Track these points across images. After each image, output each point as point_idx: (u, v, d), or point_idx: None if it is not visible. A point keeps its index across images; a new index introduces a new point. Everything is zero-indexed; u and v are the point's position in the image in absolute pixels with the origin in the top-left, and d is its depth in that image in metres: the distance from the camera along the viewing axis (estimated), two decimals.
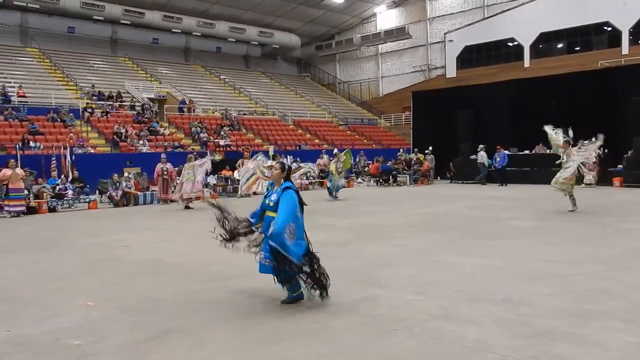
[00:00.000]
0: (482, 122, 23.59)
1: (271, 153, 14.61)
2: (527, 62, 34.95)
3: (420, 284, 6.15)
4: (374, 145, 34.50)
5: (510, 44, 36.36)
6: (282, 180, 5.43)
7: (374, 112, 42.56)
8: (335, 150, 18.83)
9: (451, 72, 38.26)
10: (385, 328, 4.66)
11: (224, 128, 29.35)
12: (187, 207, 15.51)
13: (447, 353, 4.08)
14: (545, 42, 34.96)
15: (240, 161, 19.37)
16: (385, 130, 39.36)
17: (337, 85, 47.29)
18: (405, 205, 14.93)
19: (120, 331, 4.72)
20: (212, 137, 27.54)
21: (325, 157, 25.00)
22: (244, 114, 33.70)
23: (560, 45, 34.88)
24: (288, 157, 16.45)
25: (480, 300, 5.39)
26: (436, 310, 5.08)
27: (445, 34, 39.21)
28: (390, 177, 23.20)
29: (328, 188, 17.87)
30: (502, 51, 36.75)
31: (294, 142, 31.25)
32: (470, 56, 38.08)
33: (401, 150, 27.89)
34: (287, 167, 5.58)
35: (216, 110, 32.67)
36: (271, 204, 5.39)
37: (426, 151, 24.72)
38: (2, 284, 6.70)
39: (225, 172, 21.21)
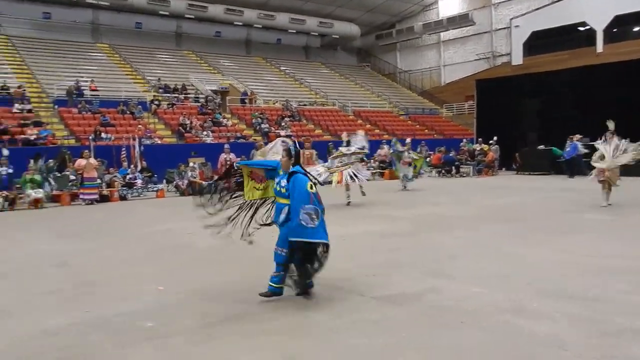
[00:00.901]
0: (550, 111, 22.68)
1: (345, 139, 14.58)
2: (599, 47, 33.20)
3: (487, 276, 5.98)
4: (435, 136, 33.86)
5: (582, 29, 34.63)
6: (291, 166, 5.25)
7: (435, 101, 41.75)
8: (395, 140, 18.28)
9: (517, 59, 36.90)
10: (450, 320, 4.57)
11: (285, 119, 29.62)
12: None
13: (517, 349, 3.95)
14: (621, 26, 33.07)
15: (301, 151, 19.44)
16: (447, 120, 38.54)
17: (397, 74, 46.66)
18: (469, 197, 14.59)
19: (190, 315, 4.86)
20: (273, 128, 27.86)
21: (386, 147, 24.77)
22: (304, 105, 33.86)
23: (637, 29, 32.94)
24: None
25: (552, 294, 5.19)
26: (505, 304, 4.93)
27: (511, 19, 37.82)
28: (453, 167, 22.74)
29: (404, 176, 17.14)
30: (572, 36, 35.04)
31: (354, 133, 31.09)
32: (538, 42, 36.54)
33: (464, 140, 27.23)
34: (293, 152, 5.33)
35: (277, 101, 32.98)
36: (283, 190, 5.25)
37: (490, 141, 24.03)
38: (78, 268, 7.04)
39: None
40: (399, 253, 7.39)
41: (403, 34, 44.04)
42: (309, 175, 5.27)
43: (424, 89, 44.34)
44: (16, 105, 23.07)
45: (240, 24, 39.32)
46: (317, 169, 13.43)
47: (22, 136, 20.45)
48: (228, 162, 17.64)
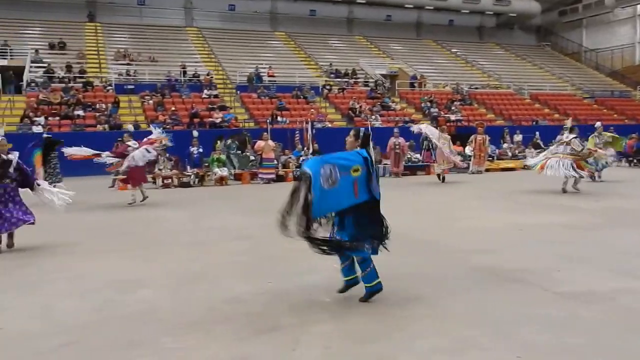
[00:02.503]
0: None
1: (568, 125, 13.83)
2: None
3: None
4: (626, 121, 30.36)
5: None
6: (357, 147, 4.82)
7: (627, 83, 37.38)
8: (598, 124, 16.50)
9: None
10: None
11: (455, 103, 28.76)
12: (442, 179, 15.65)
13: None
14: None
15: (473, 137, 18.80)
16: None
17: (582, 54, 42.62)
18: None
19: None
20: (442, 112, 27.22)
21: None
22: (476, 88, 32.52)
23: None
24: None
25: None
26: None
27: None
28: None
29: (601, 164, 15.69)
30: None
31: (530, 117, 29.20)
32: None
33: None
34: (362, 134, 4.89)
35: (447, 85, 32.12)
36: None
37: None
38: (260, 241, 7.51)
39: (456, 148, 20.79)
40: (583, 248, 6.77)
41: (591, 8, 40.01)
42: (371, 162, 4.67)
43: (613, 69, 39.99)
44: (205, 91, 25.46)
45: (411, 6, 38.87)
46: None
47: (210, 119, 22.51)
48: (397, 146, 17.68)
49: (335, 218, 4.72)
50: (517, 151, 22.09)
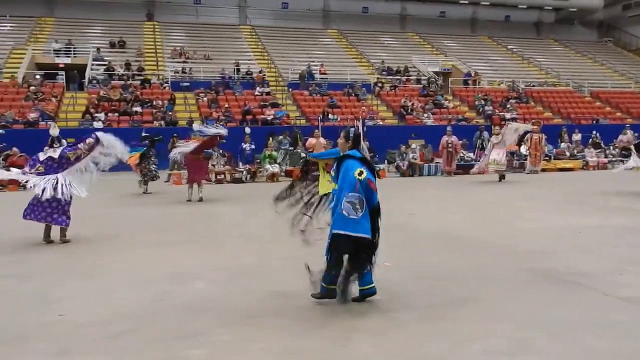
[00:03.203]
0: None
1: None
2: None
3: None
4: None
5: None
6: (347, 149, 4.68)
7: None
8: None
9: None
10: None
11: (510, 100, 28.04)
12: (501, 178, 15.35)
13: None
14: None
15: (528, 135, 18.30)
16: None
17: None
18: None
19: (415, 294, 4.90)
20: (497, 110, 26.59)
21: (629, 132, 21.91)
22: (533, 86, 31.61)
23: None
24: None
25: None
26: None
27: None
28: None
29: None
30: None
31: (590, 116, 28.15)
32: None
33: None
34: (351, 135, 4.74)
35: (502, 82, 31.36)
36: (332, 173, 4.76)
37: None
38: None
39: (512, 147, 20.26)
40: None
41: None
42: (367, 161, 4.62)
43: None
44: (257, 88, 25.81)
45: (466, 2, 38.23)
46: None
47: (262, 116, 22.79)
48: (450, 145, 17.42)
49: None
50: (575, 151, 21.35)
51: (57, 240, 7.57)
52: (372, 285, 4.62)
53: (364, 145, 5.00)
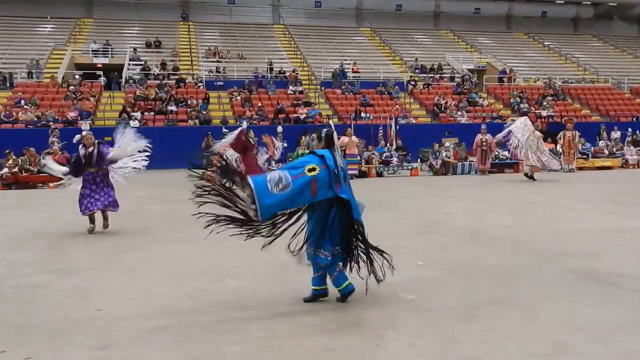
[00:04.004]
0: None
1: None
2: None
3: None
4: None
5: None
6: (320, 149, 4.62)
7: None
8: None
9: None
10: None
11: (547, 98, 27.48)
12: (530, 177, 14.98)
13: None
14: None
15: (561, 133, 17.93)
16: None
17: None
18: None
19: (450, 293, 4.84)
20: (532, 108, 26.09)
21: None
22: (570, 82, 30.90)
23: None
24: None
25: None
26: None
27: None
28: None
29: None
30: None
31: (630, 113, 27.36)
32: None
33: None
34: (324, 136, 4.69)
35: (538, 79, 30.76)
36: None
37: None
38: None
39: (547, 145, 19.86)
40: None
41: None
42: (336, 160, 4.48)
43: None
44: (290, 87, 25.91)
45: None
46: None
47: (294, 115, 22.87)
48: (484, 143, 17.18)
49: (307, 224, 4.66)
50: (614, 149, 20.77)
51: (100, 228, 8.09)
52: (324, 287, 4.66)
53: (339, 145, 4.88)
